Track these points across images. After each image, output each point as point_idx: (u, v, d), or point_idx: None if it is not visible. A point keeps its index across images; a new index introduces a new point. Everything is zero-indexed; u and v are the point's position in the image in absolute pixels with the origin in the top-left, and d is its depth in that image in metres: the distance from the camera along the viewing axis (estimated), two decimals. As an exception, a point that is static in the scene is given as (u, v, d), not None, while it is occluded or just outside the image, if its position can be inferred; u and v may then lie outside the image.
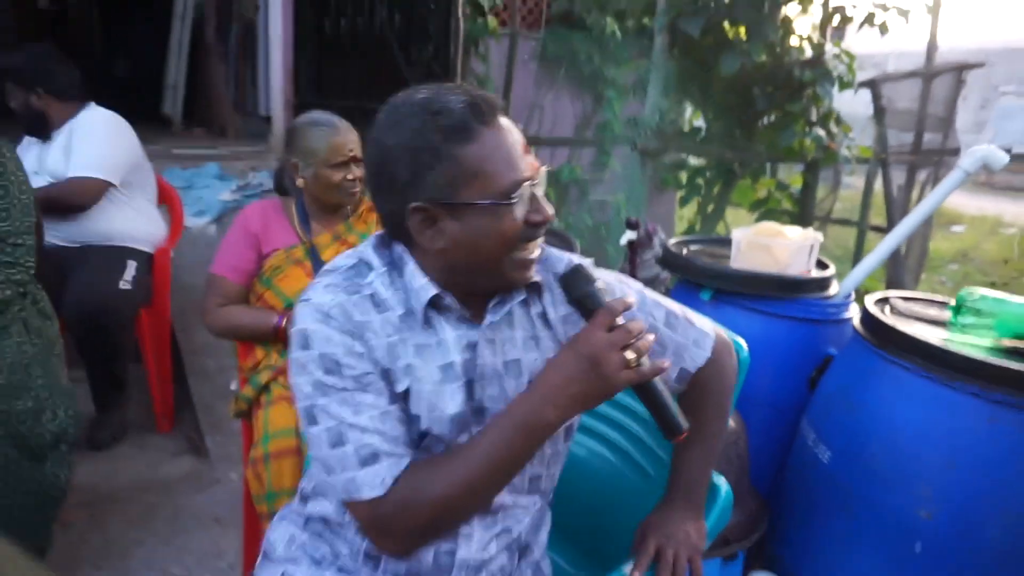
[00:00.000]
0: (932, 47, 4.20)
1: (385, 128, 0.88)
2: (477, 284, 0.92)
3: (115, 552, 1.94)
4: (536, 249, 0.92)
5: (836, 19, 3.51)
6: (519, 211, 0.87)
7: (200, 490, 2.27)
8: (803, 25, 3.59)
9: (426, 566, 0.96)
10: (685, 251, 1.95)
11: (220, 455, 2.43)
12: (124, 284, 2.29)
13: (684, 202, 3.95)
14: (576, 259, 1.00)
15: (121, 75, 6.99)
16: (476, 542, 0.97)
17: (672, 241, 1.99)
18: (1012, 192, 11.80)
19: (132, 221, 2.44)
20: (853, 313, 1.67)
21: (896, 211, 4.27)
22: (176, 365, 2.73)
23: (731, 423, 1.51)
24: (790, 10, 3.73)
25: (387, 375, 0.90)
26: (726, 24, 3.58)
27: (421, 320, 0.92)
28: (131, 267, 2.34)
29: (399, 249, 0.94)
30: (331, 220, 1.83)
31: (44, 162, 2.33)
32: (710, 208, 3.80)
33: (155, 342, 2.53)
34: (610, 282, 1.01)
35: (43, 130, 2.32)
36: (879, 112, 4.08)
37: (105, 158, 2.30)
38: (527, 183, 0.86)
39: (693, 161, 4.27)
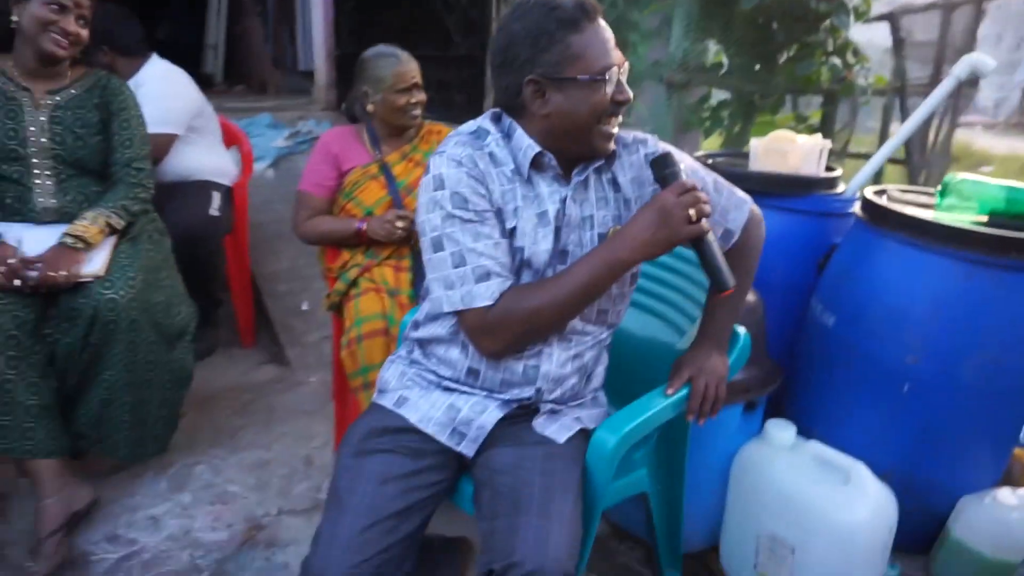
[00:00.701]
0: (951, -23, 4.31)
1: (512, 18, 1.17)
2: (570, 148, 1.21)
3: (225, 434, 2.29)
4: (616, 125, 1.21)
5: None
6: (608, 89, 1.15)
7: (286, 390, 2.61)
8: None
9: (516, 376, 1.26)
10: (710, 162, 2.19)
11: (299, 364, 2.76)
12: (213, 211, 2.59)
13: (708, 134, 4.14)
14: (657, 146, 1.27)
15: (163, 38, 7.24)
16: (556, 360, 1.26)
17: (697, 154, 2.24)
18: (1044, 132, 11.72)
19: (208, 159, 2.71)
20: (856, 208, 1.91)
21: (914, 142, 4.42)
22: (254, 291, 3.06)
23: (751, 297, 1.78)
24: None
25: (499, 214, 1.20)
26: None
27: (525, 175, 1.20)
28: (216, 197, 2.64)
29: (508, 120, 1.23)
30: (398, 141, 2.10)
31: None
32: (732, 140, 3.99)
33: (237, 267, 2.85)
34: (681, 158, 1.28)
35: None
36: (898, 44, 4.20)
37: (170, 111, 2.51)
38: (615, 68, 1.15)
39: (715, 98, 4.44)
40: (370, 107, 2.04)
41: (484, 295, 1.16)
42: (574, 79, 1.14)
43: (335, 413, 2.22)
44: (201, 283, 2.68)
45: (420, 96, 2.04)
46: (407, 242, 1.99)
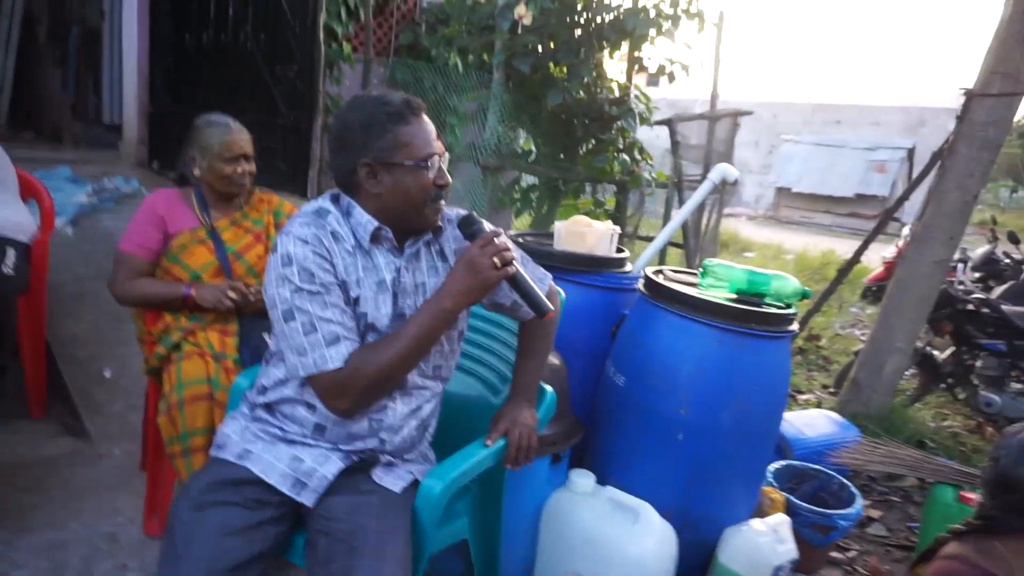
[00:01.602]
0: (715, 96, 5.19)
1: (348, 109, 1.35)
2: (401, 223, 1.38)
3: (10, 515, 2.09)
4: (441, 204, 1.39)
5: (636, 66, 4.30)
6: (431, 174, 1.34)
7: (84, 464, 2.43)
8: (613, 69, 4.35)
9: (362, 429, 1.37)
10: (521, 240, 2.48)
11: (100, 435, 2.58)
12: (6, 269, 2.40)
13: (518, 214, 4.55)
14: (460, 211, 1.48)
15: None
16: (398, 413, 1.40)
17: (510, 232, 2.52)
18: (792, 225, 14.01)
19: (2, 212, 2.53)
20: (640, 284, 2.27)
21: (689, 229, 5.16)
22: (47, 356, 2.82)
23: (555, 360, 2.04)
24: (604, 56, 4.48)
25: (344, 286, 1.33)
26: (552, 64, 4.25)
27: (365, 248, 1.36)
28: (11, 254, 2.45)
29: (346, 200, 1.37)
30: (227, 208, 2.14)
31: None
32: (540, 220, 4.43)
33: (31, 329, 2.63)
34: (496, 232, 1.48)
35: None
36: (675, 145, 4.95)
37: None
38: (436, 156, 1.35)
39: (525, 181, 4.90)
40: (197, 172, 2.07)
41: (335, 358, 1.28)
42: (401, 164, 1.32)
43: (147, 484, 2.12)
44: (-16, 346, 2.46)
45: (248, 167, 2.09)
46: (235, 309, 2.01)
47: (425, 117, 1.37)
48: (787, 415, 2.54)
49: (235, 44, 4.04)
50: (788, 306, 2.04)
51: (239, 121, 2.11)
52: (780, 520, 2.06)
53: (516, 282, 1.37)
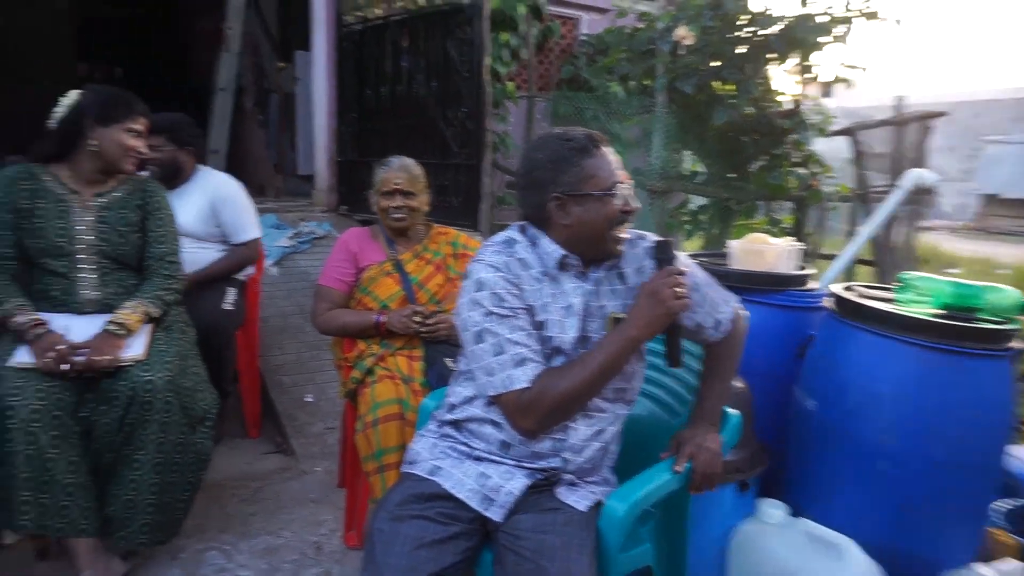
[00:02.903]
0: (901, 99, 4.78)
1: (533, 148, 1.44)
2: (588, 251, 1.44)
3: (235, 521, 2.36)
4: (625, 231, 1.44)
5: (809, 76, 4.08)
6: (617, 202, 1.39)
7: (292, 479, 2.69)
8: (782, 81, 4.17)
9: (545, 448, 1.41)
10: (696, 260, 2.43)
11: (304, 454, 2.85)
12: (227, 305, 2.76)
13: (689, 236, 4.45)
14: (656, 237, 1.51)
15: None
16: (580, 435, 1.43)
17: (685, 252, 2.48)
18: (1003, 236, 12.43)
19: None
20: (828, 302, 2.13)
21: (879, 244, 4.76)
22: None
23: (739, 383, 1.96)
24: (771, 70, 4.31)
25: (531, 310, 1.40)
26: (716, 82, 4.16)
27: (552, 275, 1.43)
28: (231, 293, 2.81)
29: (532, 230, 1.45)
30: (409, 242, 2.32)
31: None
32: (712, 242, 4.30)
33: (248, 359, 2.98)
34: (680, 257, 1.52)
35: (174, 180, 2.85)
36: (858, 156, 4.61)
37: (253, 217, 2.94)
38: (621, 184, 1.40)
39: (693, 203, 4.80)
40: (373, 207, 2.28)
41: (521, 378, 1.34)
42: (590, 194, 1.39)
43: (346, 499, 2.31)
44: (212, 375, 2.81)
45: (405, 201, 2.22)
46: (418, 334, 2.15)
47: (607, 148, 1.43)
48: (1018, 449, 2.24)
49: (409, 94, 4.37)
50: (1008, 321, 1.82)
51: (417, 163, 2.30)
52: (1014, 567, 1.81)
53: (675, 329, 1.40)
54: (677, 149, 4.30)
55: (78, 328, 1.91)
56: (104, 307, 2.00)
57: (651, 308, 1.34)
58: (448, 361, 2.10)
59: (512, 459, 1.43)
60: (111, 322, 1.92)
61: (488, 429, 1.44)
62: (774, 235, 3.00)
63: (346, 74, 4.91)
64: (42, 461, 1.75)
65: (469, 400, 1.47)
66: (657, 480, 1.44)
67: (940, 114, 4.97)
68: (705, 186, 4.34)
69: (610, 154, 1.43)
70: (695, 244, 4.62)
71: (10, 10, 3.57)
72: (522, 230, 1.49)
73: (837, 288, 2.04)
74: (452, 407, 1.51)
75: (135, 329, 1.96)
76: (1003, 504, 2.15)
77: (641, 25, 4.78)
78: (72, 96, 2.01)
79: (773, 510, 1.81)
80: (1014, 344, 1.78)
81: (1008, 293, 1.84)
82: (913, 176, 2.09)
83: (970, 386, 1.74)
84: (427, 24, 4.18)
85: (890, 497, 1.81)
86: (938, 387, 1.73)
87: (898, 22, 4.04)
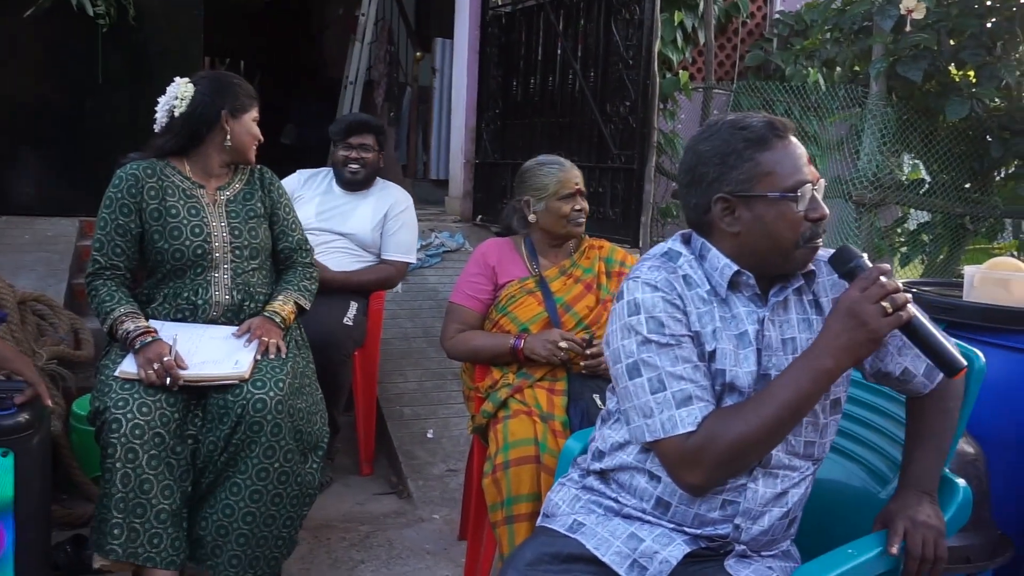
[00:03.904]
0: None
1: (700, 139, 1.41)
2: (763, 267, 1.38)
3: (343, 568, 2.49)
4: (816, 243, 1.36)
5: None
6: (801, 206, 1.32)
7: (407, 526, 2.80)
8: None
9: (713, 511, 1.37)
10: (915, 290, 2.29)
11: (422, 498, 2.96)
12: (347, 320, 2.94)
13: (905, 261, 4.19)
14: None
15: (289, 142, 8.26)
16: (759, 497, 1.38)
17: (899, 281, 2.34)
18: None
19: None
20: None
21: None
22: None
23: (969, 448, 1.82)
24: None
25: (697, 337, 1.37)
26: (952, 67, 3.92)
27: (723, 295, 1.39)
28: (353, 307, 3.00)
29: (699, 241, 1.43)
30: (557, 255, 2.37)
31: (347, 215, 3.17)
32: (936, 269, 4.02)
33: (365, 385, 3.16)
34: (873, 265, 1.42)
35: (368, 184, 3.19)
36: None
37: (414, 242, 3.28)
38: (808, 184, 1.33)
39: (913, 220, 4.52)
40: (532, 217, 2.33)
41: (686, 420, 1.31)
42: (764, 196, 1.33)
43: (467, 554, 2.37)
44: (324, 399, 2.99)
45: (584, 203, 2.34)
46: (564, 364, 2.18)
47: (793, 139, 1.37)
48: None
49: (563, 86, 4.48)
50: None
51: None
52: None
53: (913, 330, 1.27)
54: (895, 152, 4.08)
55: (187, 339, 2.10)
56: (228, 312, 2.21)
57: (850, 331, 1.25)
58: (596, 398, 2.12)
59: (671, 522, 1.40)
60: (267, 309, 2.22)
61: (642, 482, 1.42)
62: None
63: (491, 64, 5.11)
64: (139, 482, 1.94)
65: (620, 447, 1.46)
66: (855, 560, 1.36)
67: None
68: (931, 198, 4.08)
69: (796, 147, 1.36)
70: (914, 272, 4.34)
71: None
72: (686, 241, 1.47)
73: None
74: (600, 454, 1.51)
75: (290, 321, 2.25)
76: None
77: (854, -3, 4.61)
78: (182, 85, 2.23)
79: (1016, 620, 1.65)
80: None
81: None
82: None
83: None
84: (587, 3, 4.27)
85: None
86: None
87: None
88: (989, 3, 3.85)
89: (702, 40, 5.24)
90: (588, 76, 4.25)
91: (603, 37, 4.15)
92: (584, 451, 1.61)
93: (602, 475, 1.50)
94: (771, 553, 1.44)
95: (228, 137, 2.22)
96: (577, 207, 2.32)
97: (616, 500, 1.46)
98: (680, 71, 5.07)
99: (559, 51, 4.50)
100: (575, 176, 2.34)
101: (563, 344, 2.14)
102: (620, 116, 3.98)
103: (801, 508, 1.48)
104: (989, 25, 3.87)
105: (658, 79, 3.93)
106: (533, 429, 2.06)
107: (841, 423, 1.75)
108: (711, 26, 5.12)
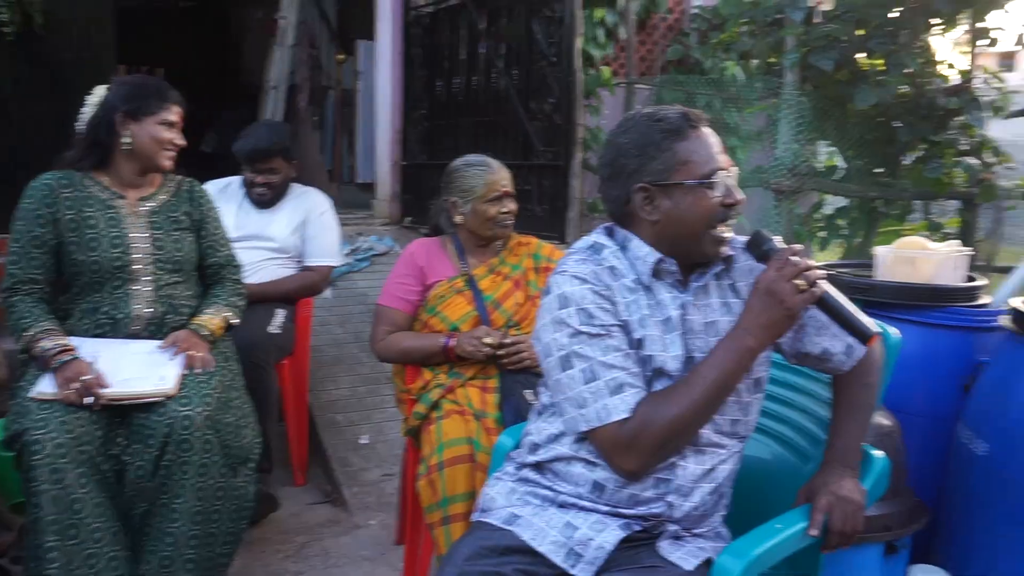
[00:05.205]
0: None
1: (618, 133, 1.46)
2: (683, 254, 1.44)
3: (280, 580, 2.46)
4: (729, 229, 1.43)
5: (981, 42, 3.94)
6: (716, 193, 1.39)
7: (343, 533, 2.79)
8: (945, 51, 4.04)
9: (646, 490, 1.41)
10: (832, 272, 2.38)
11: (357, 504, 2.94)
12: (274, 329, 2.89)
13: (823, 245, 4.34)
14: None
15: (210, 150, 8.07)
16: (689, 474, 1.42)
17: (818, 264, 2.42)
18: None
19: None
20: (1005, 321, 2.04)
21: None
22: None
23: (885, 420, 1.90)
24: (933, 38, 4.19)
25: (626, 326, 1.41)
26: (861, 56, 4.07)
27: (647, 283, 1.44)
28: (280, 315, 2.95)
29: (621, 232, 1.48)
30: (485, 254, 2.38)
31: (263, 227, 3.07)
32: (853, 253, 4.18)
33: (295, 393, 3.11)
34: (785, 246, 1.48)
35: (277, 201, 3.12)
36: (1047, 142, 4.39)
37: (335, 244, 3.21)
38: (722, 172, 1.40)
39: (830, 205, 4.69)
40: (458, 218, 2.33)
41: (620, 408, 1.35)
42: (681, 184, 1.39)
43: (405, 557, 2.36)
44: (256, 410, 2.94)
45: (511, 206, 2.34)
46: (494, 361, 2.20)
47: (706, 130, 1.43)
48: None
49: (488, 85, 4.49)
50: None
51: None
52: None
53: (826, 304, 1.34)
54: (811, 140, 4.21)
55: (109, 357, 2.04)
56: (149, 326, 2.15)
57: (769, 309, 1.31)
58: (527, 393, 2.13)
59: (606, 504, 1.43)
60: (194, 322, 2.16)
61: (578, 468, 1.45)
62: (934, 240, 2.88)
63: (414, 65, 5.10)
64: (70, 502, 1.87)
65: (555, 438, 1.48)
66: (779, 535, 1.41)
67: None
68: (846, 184, 4.23)
69: (710, 136, 1.42)
70: (832, 255, 4.50)
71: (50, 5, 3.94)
72: (609, 232, 1.51)
73: (1017, 303, 1.95)
74: (535, 447, 1.53)
75: (219, 335, 2.19)
76: None
77: (766, -9, 4.75)
78: (99, 93, 2.18)
79: (933, 581, 1.74)
80: None
81: None
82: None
83: None
84: (509, 2, 4.30)
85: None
86: None
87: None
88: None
89: (623, 36, 5.33)
90: (512, 75, 4.28)
91: (526, 35, 4.18)
92: (518, 446, 1.63)
93: (537, 467, 1.52)
94: (702, 531, 1.48)
95: (125, 141, 2.15)
96: (504, 209, 2.31)
97: (551, 488, 1.48)
98: (603, 67, 5.14)
99: (482, 50, 4.51)
100: (503, 178, 2.34)
101: (488, 340, 2.15)
102: (545, 114, 4.03)
103: (730, 484, 1.53)
104: (894, 15, 4.03)
105: (581, 76, 3.97)
106: (466, 428, 2.06)
107: (764, 404, 1.82)
108: (631, 22, 5.21)
